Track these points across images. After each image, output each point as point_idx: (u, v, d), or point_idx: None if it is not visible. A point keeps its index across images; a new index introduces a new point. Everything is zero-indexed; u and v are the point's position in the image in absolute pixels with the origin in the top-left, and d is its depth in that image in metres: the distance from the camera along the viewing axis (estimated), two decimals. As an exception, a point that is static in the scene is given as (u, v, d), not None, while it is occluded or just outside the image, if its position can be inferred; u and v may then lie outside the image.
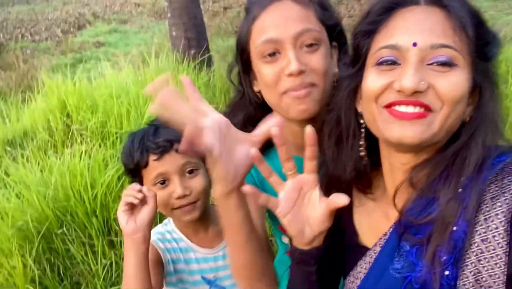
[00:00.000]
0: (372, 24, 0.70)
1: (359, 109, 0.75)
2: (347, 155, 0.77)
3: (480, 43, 0.65)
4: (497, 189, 0.63)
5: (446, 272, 0.63)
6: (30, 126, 3.56)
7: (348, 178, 0.78)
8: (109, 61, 5.91)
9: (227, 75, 0.99)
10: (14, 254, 2.20)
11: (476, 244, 0.62)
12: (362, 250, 0.78)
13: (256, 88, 0.94)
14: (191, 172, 1.09)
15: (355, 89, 0.74)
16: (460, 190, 0.64)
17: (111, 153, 2.90)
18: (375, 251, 0.75)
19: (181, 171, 1.08)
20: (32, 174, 2.64)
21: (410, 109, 0.64)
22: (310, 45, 0.84)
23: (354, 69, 0.73)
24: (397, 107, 0.65)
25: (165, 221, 1.26)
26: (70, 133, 3.31)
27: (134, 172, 1.11)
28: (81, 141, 3.12)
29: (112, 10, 14.85)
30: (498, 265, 0.61)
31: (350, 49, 0.75)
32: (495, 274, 0.61)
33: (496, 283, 0.61)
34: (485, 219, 0.62)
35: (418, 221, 0.66)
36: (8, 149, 3.34)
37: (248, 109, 0.96)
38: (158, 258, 1.15)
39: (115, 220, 2.43)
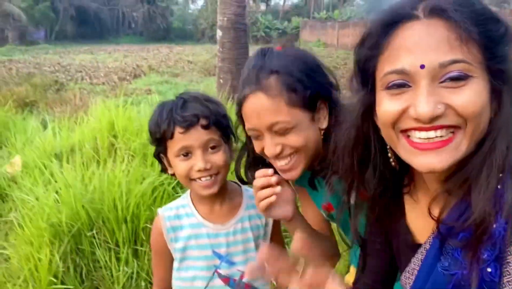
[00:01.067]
0: (373, 49, 0.66)
1: (378, 124, 0.73)
2: (376, 171, 0.76)
3: (491, 45, 0.61)
4: None
5: (489, 269, 0.61)
6: (78, 143, 3.77)
7: (379, 193, 0.78)
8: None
9: (235, 131, 1.19)
10: (43, 247, 2.25)
11: None
12: (415, 248, 0.77)
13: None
14: (213, 147, 1.13)
15: (370, 108, 0.72)
16: (499, 186, 0.62)
17: (149, 171, 3.00)
18: (425, 248, 0.74)
19: (204, 146, 1.12)
20: (74, 180, 2.77)
21: (431, 134, 0.62)
22: (284, 130, 0.98)
23: (364, 91, 0.72)
24: (417, 134, 0.63)
25: (183, 194, 1.28)
26: (114, 152, 3.48)
27: (160, 141, 1.15)
28: (123, 159, 3.26)
29: (167, 65, 16.01)
30: None
31: (355, 70, 0.74)
32: None
33: None
34: None
35: (457, 227, 0.65)
36: (55, 161, 3.53)
37: (251, 156, 1.16)
38: (162, 237, 1.21)
39: (144, 229, 2.46)
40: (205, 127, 1.11)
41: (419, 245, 0.76)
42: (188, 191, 1.26)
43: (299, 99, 0.97)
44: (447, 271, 0.67)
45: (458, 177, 0.65)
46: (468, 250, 0.63)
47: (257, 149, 1.05)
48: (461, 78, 0.60)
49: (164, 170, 1.24)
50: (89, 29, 36.75)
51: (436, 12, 0.61)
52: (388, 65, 0.64)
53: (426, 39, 0.60)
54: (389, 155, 0.74)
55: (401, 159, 0.70)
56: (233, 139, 1.21)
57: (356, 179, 0.79)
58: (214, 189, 1.14)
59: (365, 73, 0.70)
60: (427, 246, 0.73)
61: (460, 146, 0.62)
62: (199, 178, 1.12)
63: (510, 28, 0.63)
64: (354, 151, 0.77)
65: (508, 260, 0.61)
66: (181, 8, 52.13)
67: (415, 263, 0.75)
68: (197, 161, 1.11)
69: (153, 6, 40.75)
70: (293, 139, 0.98)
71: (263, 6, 50.73)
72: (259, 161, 1.12)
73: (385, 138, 0.71)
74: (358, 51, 0.71)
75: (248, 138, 1.12)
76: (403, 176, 0.80)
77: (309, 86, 0.99)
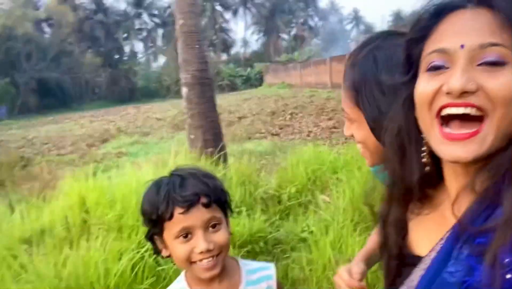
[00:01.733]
0: (422, 31, 0.71)
1: (416, 109, 0.74)
2: (411, 163, 0.76)
3: None
4: None
5: (509, 276, 0.57)
6: (48, 223, 3.57)
7: (415, 186, 0.76)
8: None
9: None
10: None
11: None
12: (416, 260, 0.73)
13: None
14: (214, 226, 1.08)
15: (411, 96, 0.73)
16: None
17: (127, 245, 2.85)
18: (430, 257, 0.70)
19: (205, 225, 1.06)
20: (46, 267, 2.58)
21: (461, 110, 0.63)
22: (349, 120, 1.06)
23: (408, 77, 0.75)
24: (447, 110, 0.64)
25: (178, 277, 1.19)
26: (87, 229, 3.30)
27: (155, 223, 1.09)
28: (97, 236, 3.09)
29: (135, 125, 15.91)
30: None
31: (402, 56, 0.77)
32: None
33: None
34: None
35: (478, 228, 0.62)
36: (25, 246, 3.31)
37: None
38: None
39: (127, 312, 2.28)
40: (206, 205, 1.05)
41: (419, 257, 0.72)
42: (183, 273, 1.18)
43: (358, 101, 1.00)
44: (454, 278, 0.62)
45: (484, 172, 0.64)
46: (486, 255, 0.59)
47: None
48: (498, 63, 0.62)
49: (157, 252, 1.16)
50: (52, 99, 36.47)
51: (484, 1, 0.65)
52: (432, 46, 0.68)
53: (470, 23, 0.64)
54: (423, 148, 0.73)
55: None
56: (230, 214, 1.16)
57: (397, 168, 0.77)
58: (217, 270, 1.07)
59: (411, 58, 0.73)
60: (433, 254, 0.69)
61: (487, 137, 0.62)
62: (201, 260, 1.05)
63: None
64: (396, 139, 0.77)
65: None
66: (144, 67, 52.98)
67: (416, 274, 0.71)
68: (199, 242, 1.04)
69: (116, 69, 41.23)
70: (355, 132, 1.04)
71: (224, 56, 52.32)
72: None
73: (421, 125, 0.71)
74: (407, 35, 0.74)
75: None
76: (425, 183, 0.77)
77: (368, 96, 1.00)
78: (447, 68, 0.65)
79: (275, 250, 3.38)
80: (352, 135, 1.07)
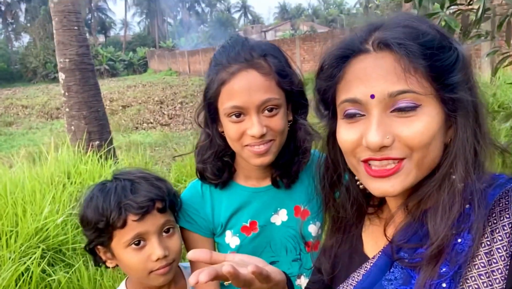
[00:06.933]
0: (329, 80, 0.69)
1: None
2: (344, 194, 0.78)
3: (440, 75, 0.63)
4: (507, 202, 0.62)
5: (444, 284, 0.62)
6: None
7: (350, 217, 0.78)
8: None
9: (195, 119, 1.08)
10: None
11: (479, 257, 0.60)
12: (363, 259, 0.77)
13: (220, 130, 1.06)
14: (167, 230, 1.03)
15: (334, 134, 0.74)
16: (467, 206, 0.63)
17: (5, 255, 2.49)
18: (371, 263, 0.74)
19: (160, 231, 1.01)
20: None
21: (384, 162, 0.64)
22: (271, 110, 0.98)
23: (328, 117, 0.76)
24: (372, 162, 0.66)
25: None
26: None
27: (102, 231, 0.99)
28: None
29: (-5, 113, 13.80)
30: (497, 281, 0.59)
31: (317, 99, 0.77)
32: None
33: None
34: (492, 231, 0.61)
35: (407, 246, 0.66)
36: None
37: (216, 147, 1.07)
38: None
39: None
40: (162, 210, 1.00)
41: (367, 258, 0.76)
42: (123, 285, 1.10)
43: (286, 84, 0.99)
44: (392, 285, 0.67)
45: (413, 198, 0.68)
46: (423, 266, 0.63)
47: (235, 133, 0.99)
48: (410, 108, 0.62)
49: (98, 263, 1.07)
50: None
51: (384, 45, 0.64)
52: (343, 95, 0.67)
53: (375, 70, 0.64)
54: (357, 177, 0.75)
55: None
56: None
57: (330, 199, 0.80)
58: (170, 276, 1.03)
59: (326, 102, 0.73)
60: (374, 260, 0.73)
61: (410, 172, 0.64)
62: (158, 269, 1.00)
63: (462, 53, 0.65)
64: (326, 173, 0.79)
65: (466, 278, 0.61)
66: (2, 46, 45.96)
67: (358, 273, 0.75)
68: (155, 249, 0.98)
69: (-34, 47, 34.93)
70: (278, 122, 0.98)
71: (101, 38, 48.48)
72: (224, 153, 1.08)
73: (348, 164, 0.73)
74: (316, 81, 0.73)
75: (218, 133, 1.05)
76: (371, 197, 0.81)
77: (292, 79, 1.02)
78: (363, 115, 0.66)
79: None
80: (263, 133, 1.02)
